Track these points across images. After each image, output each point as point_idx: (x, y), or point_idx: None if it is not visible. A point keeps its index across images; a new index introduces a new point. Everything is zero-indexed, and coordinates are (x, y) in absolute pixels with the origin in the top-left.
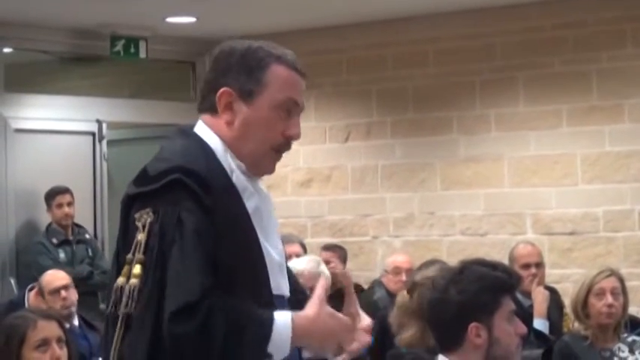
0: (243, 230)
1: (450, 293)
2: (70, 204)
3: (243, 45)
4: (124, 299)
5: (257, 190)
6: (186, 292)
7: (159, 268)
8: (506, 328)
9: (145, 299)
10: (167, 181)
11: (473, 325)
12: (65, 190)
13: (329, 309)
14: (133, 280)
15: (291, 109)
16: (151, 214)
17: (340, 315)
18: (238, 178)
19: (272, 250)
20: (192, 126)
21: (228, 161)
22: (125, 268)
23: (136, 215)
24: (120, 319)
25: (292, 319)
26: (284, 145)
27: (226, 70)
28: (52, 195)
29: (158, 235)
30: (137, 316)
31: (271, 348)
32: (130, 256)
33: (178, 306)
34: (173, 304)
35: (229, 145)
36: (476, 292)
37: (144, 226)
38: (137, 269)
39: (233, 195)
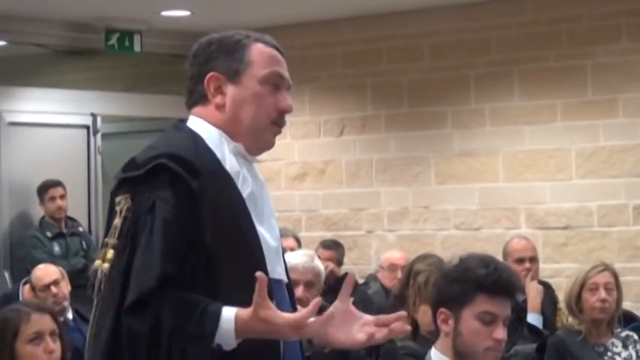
0: (235, 215)
1: (437, 277)
2: (62, 197)
3: (218, 34)
4: (97, 283)
5: (252, 176)
6: (143, 285)
7: (125, 255)
8: (474, 326)
9: (110, 285)
10: (151, 167)
11: (441, 310)
12: (57, 183)
13: (267, 314)
14: (105, 265)
15: (278, 84)
16: (129, 200)
17: (277, 320)
18: (231, 163)
19: (267, 235)
20: (185, 120)
21: (223, 148)
22: (101, 251)
23: (117, 199)
24: (95, 303)
25: (235, 315)
26: (279, 119)
27: (208, 59)
28: (44, 188)
29: (131, 221)
30: (102, 302)
31: (218, 339)
32: (106, 239)
33: (133, 299)
34: (131, 296)
35: (224, 129)
36: (452, 280)
37: (121, 211)
38: (110, 254)
39: (224, 180)
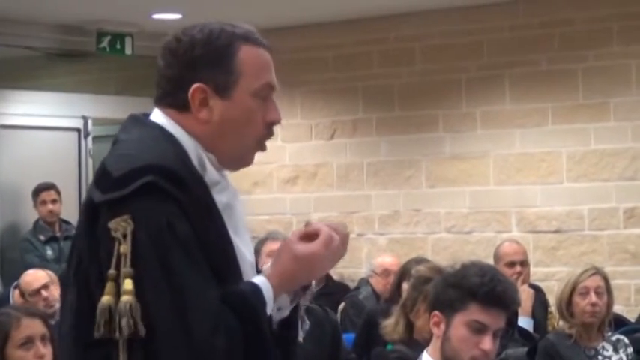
0: (215, 226)
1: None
2: (54, 201)
3: (201, 33)
4: (124, 320)
5: (227, 185)
6: (211, 307)
7: (164, 278)
8: (462, 333)
9: (161, 312)
10: (140, 186)
11: (435, 313)
12: (50, 187)
13: (294, 248)
14: (126, 297)
15: (266, 95)
16: (130, 221)
17: (312, 246)
18: (211, 172)
19: (243, 248)
20: (144, 114)
21: (201, 156)
22: (109, 285)
23: (111, 225)
24: (121, 343)
25: (266, 277)
26: (267, 135)
27: (192, 66)
28: (37, 192)
29: (149, 242)
30: (163, 332)
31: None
32: (112, 271)
33: (210, 322)
34: (206, 320)
35: (202, 141)
36: (448, 285)
37: (124, 236)
38: (128, 284)
39: (203, 189)
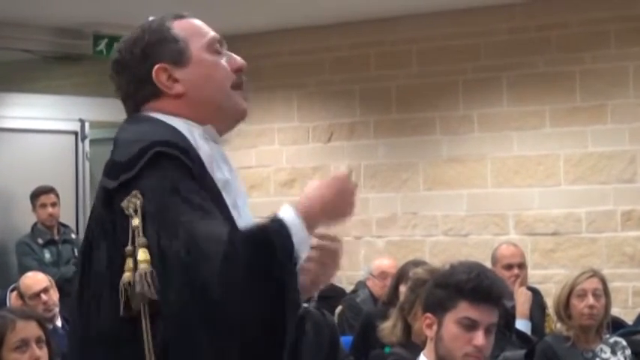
0: (216, 203)
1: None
2: (54, 204)
3: (135, 32)
4: (140, 287)
5: (225, 163)
6: (222, 237)
7: (172, 242)
8: (454, 331)
9: (181, 267)
10: (148, 159)
11: (427, 315)
12: (49, 190)
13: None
14: (143, 266)
15: (219, 49)
16: (139, 195)
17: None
18: (204, 150)
19: (242, 224)
20: (138, 115)
21: (194, 135)
22: (127, 262)
23: (123, 204)
24: (142, 311)
25: (295, 209)
26: (238, 80)
27: (142, 57)
28: (36, 195)
29: (155, 214)
30: (185, 282)
31: (297, 247)
32: (129, 247)
33: (220, 259)
34: (219, 247)
35: (189, 116)
36: (437, 286)
37: (135, 211)
38: (142, 254)
39: (202, 168)
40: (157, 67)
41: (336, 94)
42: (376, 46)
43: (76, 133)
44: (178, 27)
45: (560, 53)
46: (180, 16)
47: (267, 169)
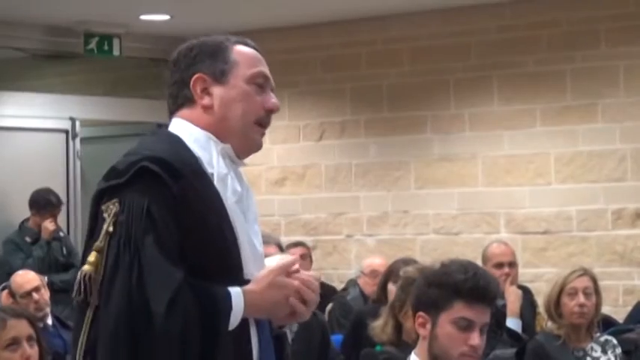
0: (216, 216)
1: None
2: (56, 217)
3: (197, 40)
4: (75, 286)
5: (239, 180)
6: (169, 288)
7: (127, 255)
8: (450, 331)
9: (114, 285)
10: (134, 171)
11: (420, 314)
12: (59, 204)
13: (279, 280)
14: (87, 267)
15: (263, 84)
16: (117, 204)
17: (291, 281)
18: (219, 165)
19: (255, 241)
20: (165, 126)
21: (211, 149)
22: (92, 255)
23: (103, 207)
24: (90, 307)
25: (243, 293)
26: (265, 119)
27: (191, 63)
28: (44, 205)
29: (125, 224)
30: (107, 300)
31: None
32: (98, 243)
33: (165, 303)
34: (160, 302)
35: (212, 130)
36: (431, 285)
37: (109, 216)
38: (92, 256)
39: (204, 181)
40: (197, 75)
41: (327, 92)
42: (367, 45)
43: (66, 132)
44: (235, 51)
45: (550, 52)
46: (244, 43)
47: (259, 168)
